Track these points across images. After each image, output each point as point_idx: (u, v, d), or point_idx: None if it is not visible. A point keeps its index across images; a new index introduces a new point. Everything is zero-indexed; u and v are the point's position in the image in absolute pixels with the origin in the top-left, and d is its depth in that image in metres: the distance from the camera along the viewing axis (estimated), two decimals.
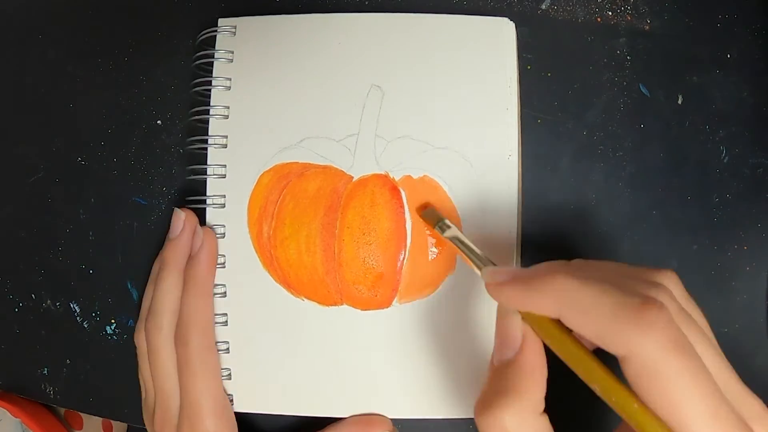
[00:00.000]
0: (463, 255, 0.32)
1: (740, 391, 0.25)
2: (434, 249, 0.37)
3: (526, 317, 0.26)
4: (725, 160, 0.39)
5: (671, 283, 0.26)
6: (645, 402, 0.22)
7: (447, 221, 0.35)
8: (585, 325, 0.23)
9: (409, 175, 0.37)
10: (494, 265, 0.30)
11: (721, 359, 0.25)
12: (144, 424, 0.39)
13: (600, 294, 0.23)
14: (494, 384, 0.25)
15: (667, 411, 0.22)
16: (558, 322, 0.25)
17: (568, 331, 0.25)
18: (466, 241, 0.33)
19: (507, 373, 0.25)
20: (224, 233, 0.38)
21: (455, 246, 0.33)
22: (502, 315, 0.27)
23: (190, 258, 0.37)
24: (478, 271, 0.31)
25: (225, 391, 0.37)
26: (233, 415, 0.37)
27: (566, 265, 0.27)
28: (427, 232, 0.37)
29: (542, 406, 0.24)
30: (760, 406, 0.25)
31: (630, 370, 0.22)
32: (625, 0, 0.40)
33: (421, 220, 0.36)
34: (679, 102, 0.40)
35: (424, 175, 0.37)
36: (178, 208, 0.38)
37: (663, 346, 0.22)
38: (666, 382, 0.21)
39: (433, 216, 0.36)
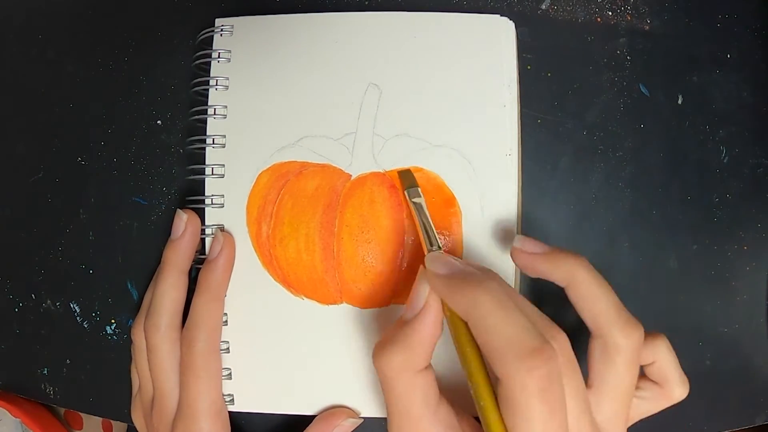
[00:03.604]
0: (418, 227, 0.34)
1: None
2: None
3: (448, 308, 0.29)
4: (725, 160, 0.39)
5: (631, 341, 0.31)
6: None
7: (419, 189, 0.35)
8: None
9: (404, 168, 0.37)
10: (440, 249, 0.32)
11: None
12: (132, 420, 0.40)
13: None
14: (391, 333, 0.29)
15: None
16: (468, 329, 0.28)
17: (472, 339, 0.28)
18: (428, 215, 0.34)
19: (404, 328, 0.29)
20: None
21: (414, 214, 0.34)
22: (418, 282, 0.30)
23: (207, 262, 0.37)
24: (425, 249, 0.33)
25: (223, 393, 0.37)
26: (228, 418, 0.37)
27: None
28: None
29: (425, 363, 0.29)
30: None
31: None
32: (625, 0, 0.40)
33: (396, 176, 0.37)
34: (679, 102, 0.40)
35: (422, 168, 0.37)
36: (180, 209, 0.38)
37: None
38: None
39: (408, 178, 0.36)
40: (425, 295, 0.29)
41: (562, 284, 0.31)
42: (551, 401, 0.25)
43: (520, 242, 0.32)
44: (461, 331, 0.28)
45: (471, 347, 0.28)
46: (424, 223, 0.34)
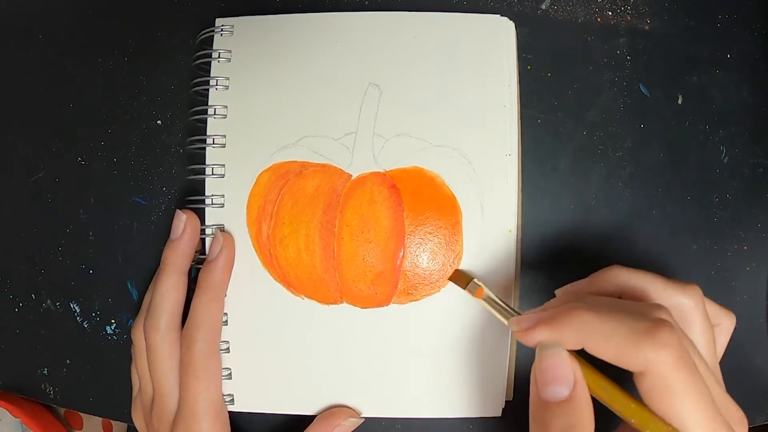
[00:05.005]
0: (495, 313, 0.33)
1: (726, 401, 0.29)
2: (434, 247, 0.37)
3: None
4: (725, 160, 0.39)
5: (696, 297, 0.30)
6: (656, 411, 0.25)
7: (476, 281, 0.35)
8: (607, 350, 0.26)
9: (404, 168, 0.37)
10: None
11: (711, 374, 0.28)
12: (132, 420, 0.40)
13: (616, 322, 0.26)
14: (555, 422, 0.26)
15: (674, 419, 0.25)
16: (588, 365, 0.27)
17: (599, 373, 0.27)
18: (499, 301, 0.33)
19: (567, 411, 0.26)
20: None
21: (486, 305, 0.33)
22: (549, 354, 0.27)
23: (207, 262, 0.37)
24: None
25: (223, 393, 0.38)
26: (228, 418, 0.37)
27: (581, 300, 0.29)
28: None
29: None
30: (741, 414, 0.29)
31: (645, 385, 0.25)
32: (625, 0, 0.40)
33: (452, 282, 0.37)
34: (679, 102, 0.40)
35: (422, 168, 0.37)
36: (180, 209, 0.38)
37: (673, 362, 0.25)
38: (675, 396, 0.25)
39: (462, 278, 0.36)
40: (571, 362, 0.27)
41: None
42: (691, 365, 0.25)
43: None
44: (597, 378, 0.27)
45: (599, 377, 0.27)
46: (499, 306, 0.33)
